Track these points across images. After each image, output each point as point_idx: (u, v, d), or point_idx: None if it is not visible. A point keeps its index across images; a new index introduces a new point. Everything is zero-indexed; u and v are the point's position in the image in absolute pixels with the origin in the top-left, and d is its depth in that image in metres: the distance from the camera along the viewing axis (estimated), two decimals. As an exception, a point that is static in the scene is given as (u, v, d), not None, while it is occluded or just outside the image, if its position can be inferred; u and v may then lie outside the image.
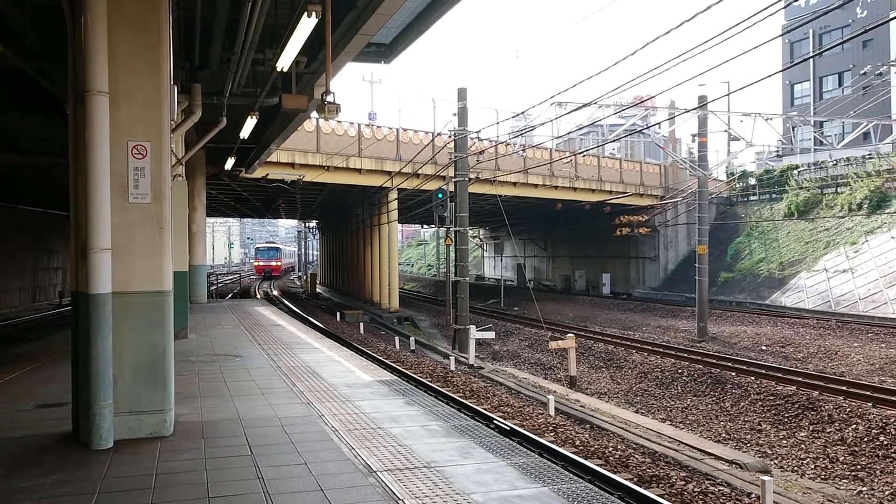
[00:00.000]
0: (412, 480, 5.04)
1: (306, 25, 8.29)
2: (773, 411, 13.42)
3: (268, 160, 25.03)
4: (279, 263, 66.91)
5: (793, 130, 31.66)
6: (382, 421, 6.89)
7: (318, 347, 12.84)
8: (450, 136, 24.65)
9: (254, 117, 14.00)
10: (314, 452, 5.76)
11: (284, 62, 10.06)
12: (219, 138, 15.61)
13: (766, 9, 9.18)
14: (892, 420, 11.61)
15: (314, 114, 16.58)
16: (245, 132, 15.78)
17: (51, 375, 9.50)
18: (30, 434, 6.36)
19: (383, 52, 13.13)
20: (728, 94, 16.03)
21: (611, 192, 36.89)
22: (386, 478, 5.09)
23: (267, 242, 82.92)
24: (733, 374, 15.93)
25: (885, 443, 11.04)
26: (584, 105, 19.66)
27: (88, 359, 5.76)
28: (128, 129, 6.00)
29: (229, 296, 37.88)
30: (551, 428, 10.65)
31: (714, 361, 17.48)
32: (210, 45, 10.56)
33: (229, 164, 22.02)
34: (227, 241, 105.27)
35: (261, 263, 67.19)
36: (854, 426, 11.83)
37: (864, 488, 9.80)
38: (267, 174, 26.96)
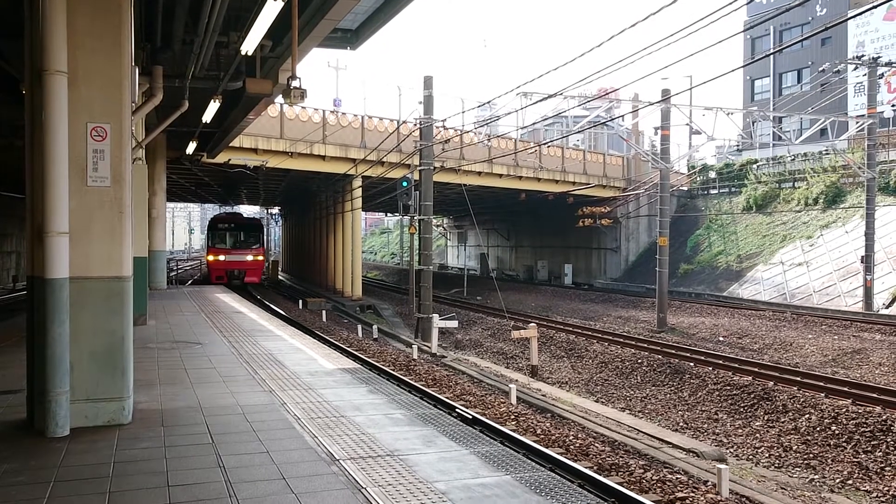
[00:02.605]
0: (375, 469, 5.04)
1: (272, 8, 8.18)
2: (729, 401, 13.69)
3: (230, 145, 24.66)
4: (259, 258, 34.95)
5: (752, 125, 32.18)
6: (345, 409, 6.87)
7: (280, 335, 12.74)
8: (415, 125, 24.55)
9: (217, 101, 13.78)
10: (276, 441, 5.72)
11: (249, 46, 9.93)
12: (180, 122, 15.33)
13: (728, 4, 9.31)
14: (844, 410, 11.93)
15: (278, 99, 16.38)
16: (207, 116, 15.53)
17: (5, 361, 9.28)
18: (-18, 421, 6.22)
19: (349, 38, 13.00)
20: (690, 89, 16.27)
21: (574, 183, 37.17)
22: (349, 466, 5.08)
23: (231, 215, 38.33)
24: (691, 364, 16.21)
25: (837, 432, 11.34)
26: (550, 96, 19.68)
27: (44, 345, 5.63)
28: (87, 111, 5.87)
29: (189, 282, 37.33)
30: (513, 417, 10.72)
31: (673, 352, 17.76)
32: (173, 26, 10.34)
33: (191, 148, 21.68)
34: (187, 227, 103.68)
35: (222, 258, 33.42)
36: (807, 416, 12.13)
37: (816, 476, 10.07)
38: (229, 159, 26.58)
